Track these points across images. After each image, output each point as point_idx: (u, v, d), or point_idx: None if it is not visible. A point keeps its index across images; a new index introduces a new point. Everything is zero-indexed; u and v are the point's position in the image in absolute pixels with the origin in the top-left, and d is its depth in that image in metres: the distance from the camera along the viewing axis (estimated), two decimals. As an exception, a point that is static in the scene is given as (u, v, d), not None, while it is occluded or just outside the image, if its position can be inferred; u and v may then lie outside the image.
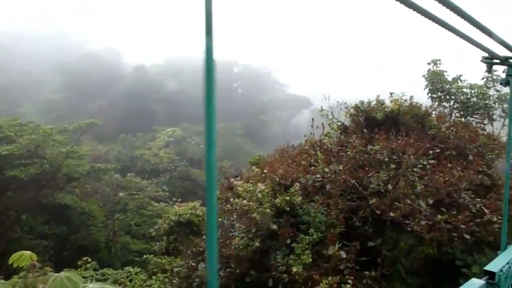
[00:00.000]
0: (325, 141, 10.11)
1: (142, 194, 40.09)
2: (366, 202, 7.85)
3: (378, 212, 7.59)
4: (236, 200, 8.81)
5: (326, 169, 8.71)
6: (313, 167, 9.11)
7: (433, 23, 2.19)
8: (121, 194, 40.13)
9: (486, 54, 3.25)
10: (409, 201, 7.57)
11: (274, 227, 8.19)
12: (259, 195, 8.38)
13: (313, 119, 12.22)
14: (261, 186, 8.44)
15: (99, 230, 36.84)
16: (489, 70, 3.53)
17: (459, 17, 2.23)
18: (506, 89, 13.66)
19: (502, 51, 3.07)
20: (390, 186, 7.83)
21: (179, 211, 19.28)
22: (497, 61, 3.50)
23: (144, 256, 19.67)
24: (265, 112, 79.17)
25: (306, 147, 10.79)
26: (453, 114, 13.69)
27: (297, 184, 8.29)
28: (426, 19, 2.13)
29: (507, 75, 3.69)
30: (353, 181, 8.08)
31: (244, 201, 8.53)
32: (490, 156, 10.52)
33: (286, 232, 8.07)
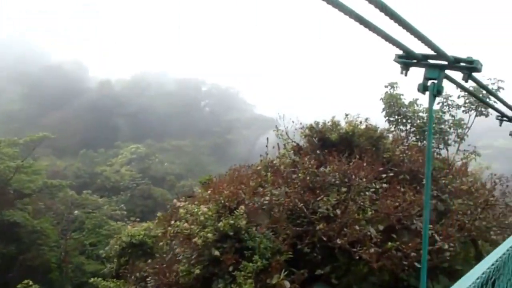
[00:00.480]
0: (275, 161, 9.68)
1: (99, 213, 38.45)
2: (314, 228, 7.40)
3: (324, 239, 7.14)
4: (178, 223, 8.18)
5: (275, 191, 8.25)
6: (262, 189, 8.63)
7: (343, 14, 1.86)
8: (76, 212, 38.38)
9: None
10: (357, 227, 7.17)
11: (216, 253, 7.60)
12: (202, 217, 7.79)
13: (267, 139, 11.86)
14: (203, 208, 7.86)
15: (51, 250, 34.87)
16: (405, 72, 2.82)
17: (379, 12, 1.90)
18: (460, 114, 13.73)
19: (421, 49, 2.56)
20: (338, 211, 7.42)
21: (131, 231, 18.31)
22: (414, 60, 2.84)
23: (91, 280, 18.54)
24: (231, 131, 78.76)
25: (259, 168, 10.33)
26: (410, 138, 13.61)
27: (242, 207, 7.77)
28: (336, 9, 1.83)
29: (425, 78, 2.91)
30: (301, 204, 7.63)
31: (185, 224, 7.91)
32: (443, 181, 10.37)
33: (228, 259, 7.49)
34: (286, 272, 7.45)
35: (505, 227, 10.18)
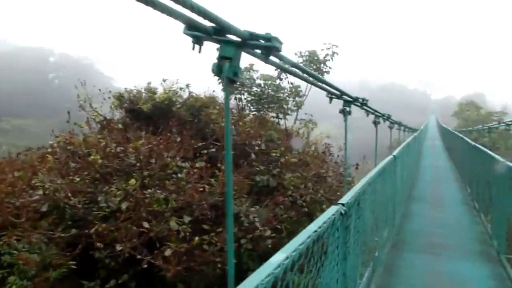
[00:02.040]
0: (53, 143, 7.43)
1: None
2: (90, 230, 5.49)
3: (100, 245, 5.29)
4: None
5: (50, 183, 6.08)
6: (35, 181, 6.38)
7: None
8: None
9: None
10: (147, 225, 5.47)
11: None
12: None
13: (69, 112, 9.50)
14: None
15: None
16: (199, 47, 2.07)
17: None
18: (296, 81, 12.96)
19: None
20: (124, 205, 5.60)
21: None
22: (202, 35, 2.07)
23: None
24: (85, 107, 71.26)
25: (49, 150, 7.96)
26: (249, 107, 12.45)
27: (-13, 210, 5.46)
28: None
29: (220, 57, 2.17)
30: (75, 199, 5.63)
31: None
32: (274, 154, 9.31)
33: (-33, 287, 5.19)
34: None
35: (336, 198, 9.65)
